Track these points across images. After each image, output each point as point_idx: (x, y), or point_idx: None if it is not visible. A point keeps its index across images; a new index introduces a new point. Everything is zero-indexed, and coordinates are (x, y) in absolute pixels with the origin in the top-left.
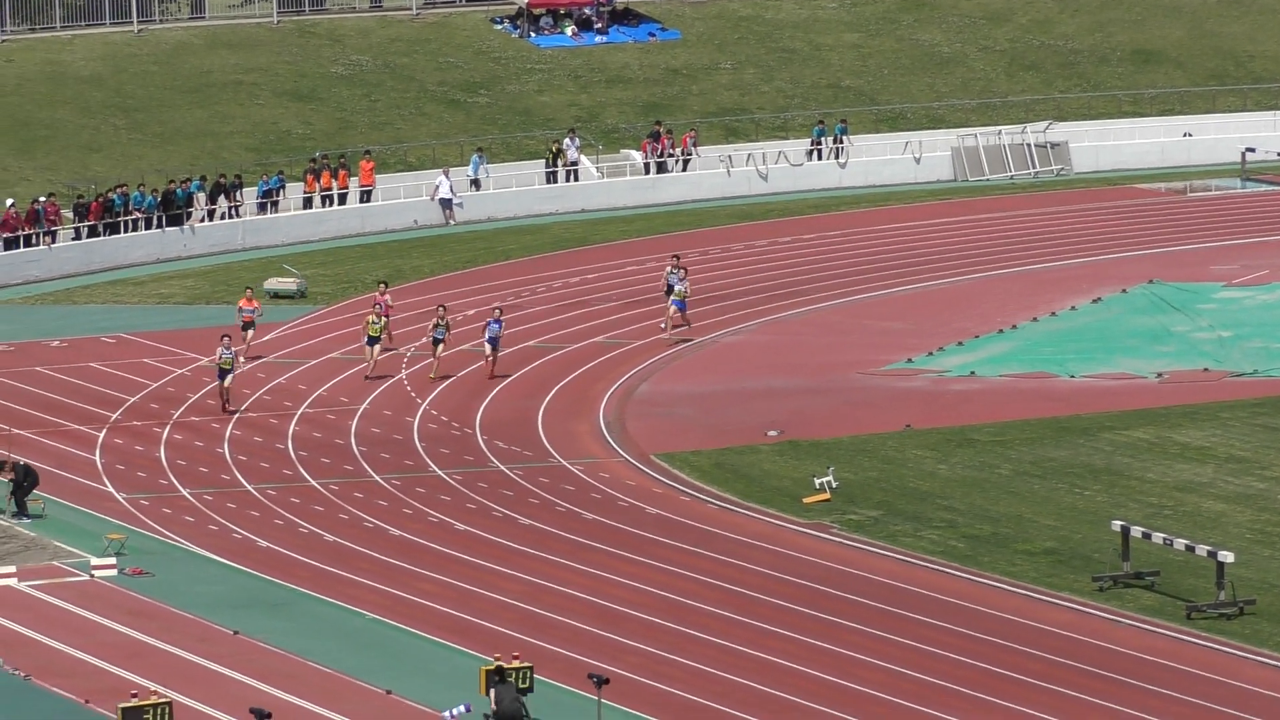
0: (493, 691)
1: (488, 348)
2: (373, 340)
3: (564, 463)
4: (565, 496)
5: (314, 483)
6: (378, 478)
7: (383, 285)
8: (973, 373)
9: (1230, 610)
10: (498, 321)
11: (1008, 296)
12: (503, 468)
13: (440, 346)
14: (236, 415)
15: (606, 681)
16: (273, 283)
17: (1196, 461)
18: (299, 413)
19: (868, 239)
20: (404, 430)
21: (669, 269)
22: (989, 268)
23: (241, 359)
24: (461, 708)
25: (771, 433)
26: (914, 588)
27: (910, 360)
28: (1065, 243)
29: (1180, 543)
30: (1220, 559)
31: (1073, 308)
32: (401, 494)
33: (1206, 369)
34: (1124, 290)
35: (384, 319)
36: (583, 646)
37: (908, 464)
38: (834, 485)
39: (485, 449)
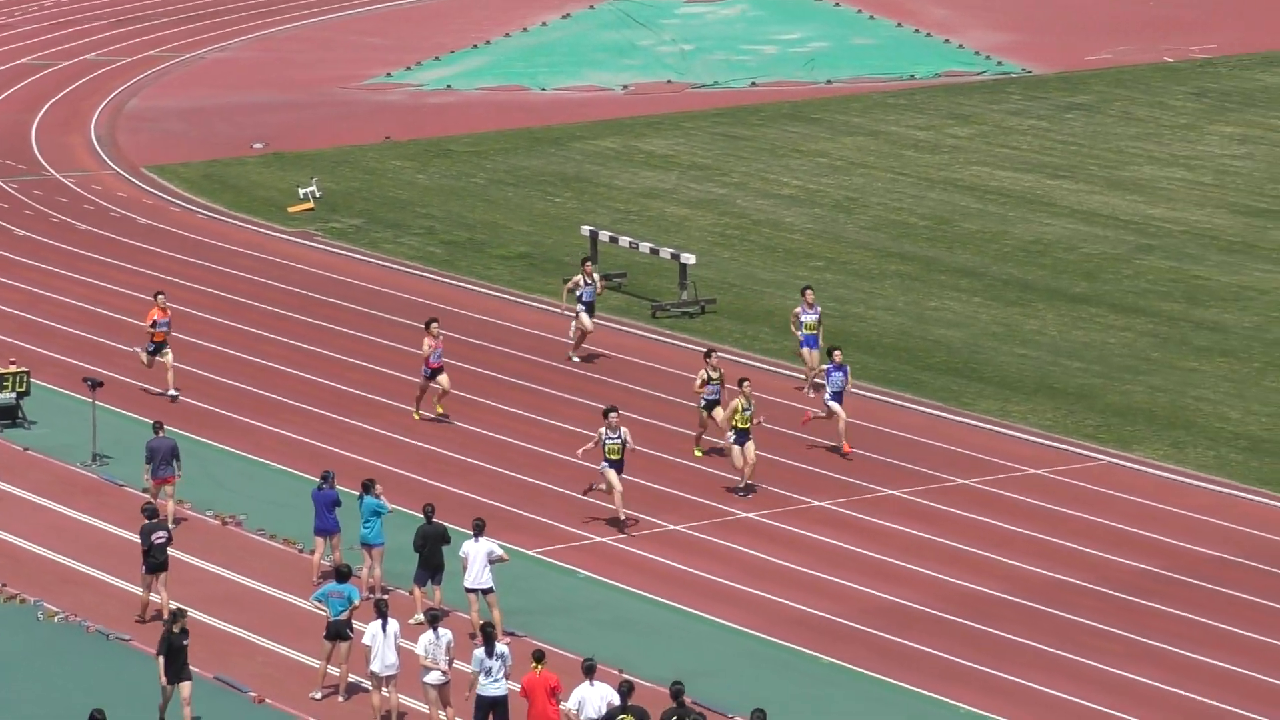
0: None
1: (837, 411)
2: (741, 437)
3: (57, 175)
4: (59, 208)
5: None
6: None
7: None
8: (449, 86)
9: (692, 309)
10: (840, 368)
11: (483, 12)
12: None
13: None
14: None
15: (101, 384)
16: None
17: (661, 169)
18: None
19: None
20: None
21: (582, 279)
22: None
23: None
24: None
25: (257, 145)
26: (395, 291)
27: (389, 75)
28: None
29: (645, 246)
30: (683, 261)
31: (544, 23)
32: None
33: (670, 81)
34: (592, 7)
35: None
36: (80, 352)
37: (388, 174)
38: (318, 195)
39: None
